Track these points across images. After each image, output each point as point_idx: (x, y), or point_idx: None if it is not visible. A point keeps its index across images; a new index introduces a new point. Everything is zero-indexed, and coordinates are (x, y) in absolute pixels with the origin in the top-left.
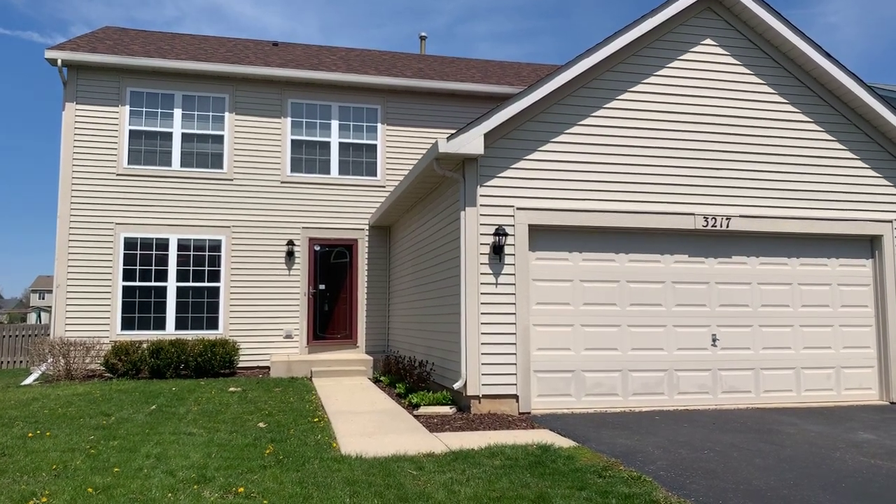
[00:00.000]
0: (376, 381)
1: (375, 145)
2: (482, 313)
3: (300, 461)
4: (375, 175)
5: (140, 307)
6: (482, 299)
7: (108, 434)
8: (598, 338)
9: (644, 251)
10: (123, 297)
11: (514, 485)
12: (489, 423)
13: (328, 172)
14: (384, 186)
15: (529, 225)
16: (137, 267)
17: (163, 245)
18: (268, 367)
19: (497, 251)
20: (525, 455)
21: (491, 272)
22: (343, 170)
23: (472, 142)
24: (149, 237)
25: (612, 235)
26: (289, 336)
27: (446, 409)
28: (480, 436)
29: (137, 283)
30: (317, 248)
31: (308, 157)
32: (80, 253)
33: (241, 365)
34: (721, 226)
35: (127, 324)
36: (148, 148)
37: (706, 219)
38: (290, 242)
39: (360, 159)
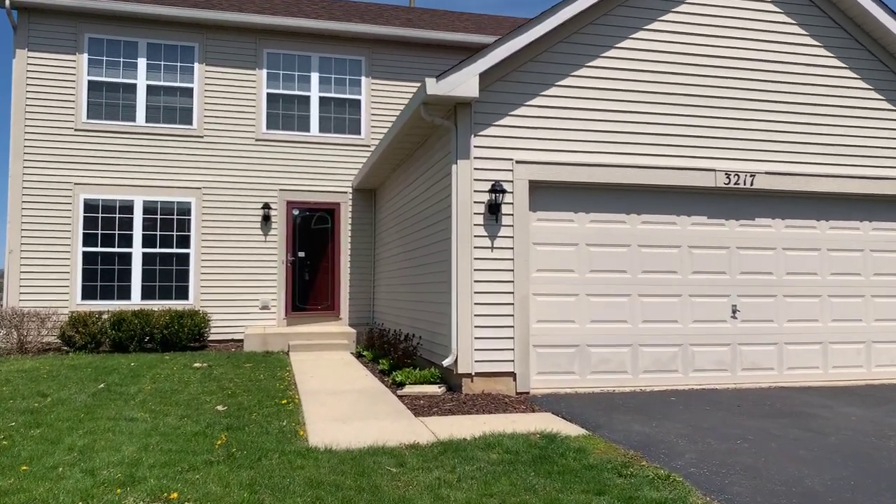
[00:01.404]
0: (359, 355)
1: (359, 101)
2: (476, 281)
3: (256, 455)
4: (359, 133)
5: (103, 275)
6: (476, 265)
7: (35, 420)
8: (606, 309)
9: (658, 212)
10: (84, 265)
11: (515, 488)
12: (483, 406)
13: (307, 130)
14: (369, 146)
15: (530, 181)
16: (99, 231)
17: (127, 207)
18: (242, 341)
19: (493, 211)
20: (527, 447)
21: (486, 234)
22: (324, 127)
23: (465, 82)
24: (111, 199)
25: (623, 194)
26: (266, 307)
27: (434, 389)
28: (473, 421)
29: (99, 249)
30: (295, 212)
31: (286, 112)
32: (35, 216)
33: (213, 338)
34: (744, 184)
35: (88, 293)
36: (109, 101)
37: (728, 176)
38: (267, 206)
39: (342, 116)
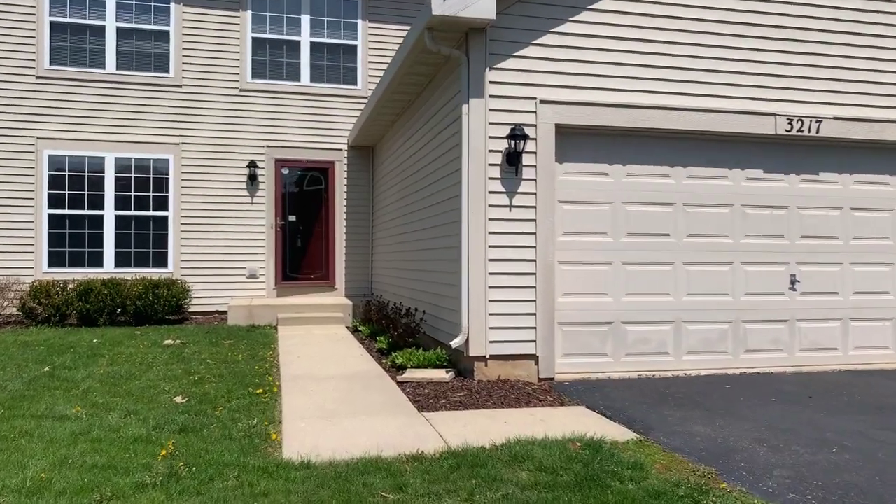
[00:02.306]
0: (355, 330)
1: (355, 46)
2: (491, 246)
3: (208, 473)
4: (355, 83)
5: (71, 240)
6: (491, 227)
7: None
8: (645, 279)
9: (707, 163)
10: (50, 228)
11: None
12: (501, 396)
13: (297, 79)
14: (366, 97)
15: (557, 125)
16: (67, 192)
17: (97, 165)
18: (227, 313)
19: (512, 161)
20: (566, 461)
21: (503, 190)
22: (316, 76)
23: (479, 1)
24: (80, 155)
25: (666, 142)
26: (253, 276)
27: (441, 374)
28: (491, 419)
29: (67, 212)
30: (285, 171)
31: (273, 59)
32: None
33: (195, 310)
34: (809, 130)
35: (55, 260)
36: (75, 45)
37: (790, 121)
38: (253, 164)
39: (336, 64)
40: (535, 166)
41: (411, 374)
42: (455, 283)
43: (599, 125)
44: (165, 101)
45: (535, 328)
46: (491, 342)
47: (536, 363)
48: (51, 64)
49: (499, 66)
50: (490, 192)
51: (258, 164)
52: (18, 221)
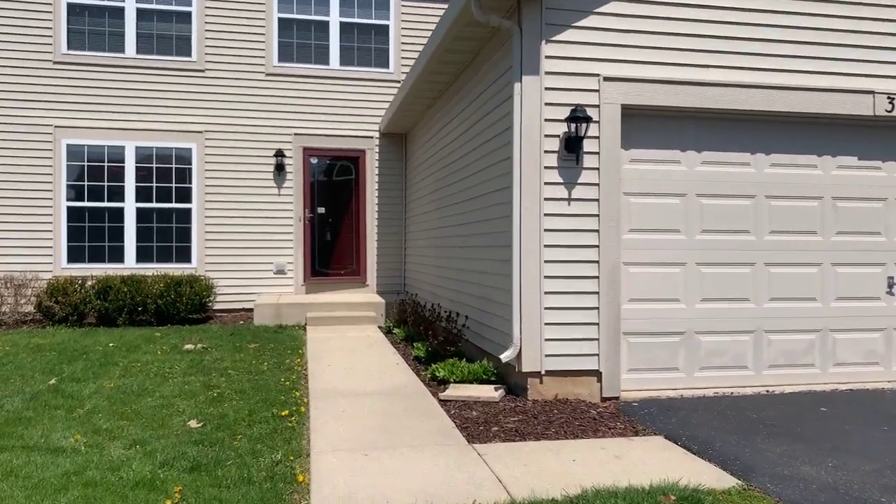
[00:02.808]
0: (388, 331)
1: (387, 27)
2: (546, 245)
3: None
4: (387, 66)
5: (91, 234)
6: (547, 224)
7: None
8: (722, 283)
9: (793, 149)
10: (69, 222)
11: None
12: (562, 422)
13: (326, 63)
14: (398, 81)
15: (623, 106)
16: (86, 183)
17: (117, 155)
18: (253, 310)
19: (572, 147)
20: None
21: (561, 181)
22: (346, 59)
23: None
24: (98, 144)
25: (746, 125)
26: (281, 271)
27: (489, 392)
28: (555, 453)
29: (86, 204)
30: (314, 160)
31: (301, 41)
32: (10, 165)
33: (220, 307)
34: None
35: (75, 255)
36: (93, 28)
37: (892, 100)
38: (280, 153)
39: (367, 45)
40: (597, 153)
41: (455, 391)
42: (504, 286)
43: (671, 106)
44: (188, 86)
45: (597, 339)
46: (547, 356)
47: (599, 380)
48: (68, 48)
49: (556, 38)
50: (546, 184)
51: (285, 152)
52: (37, 215)
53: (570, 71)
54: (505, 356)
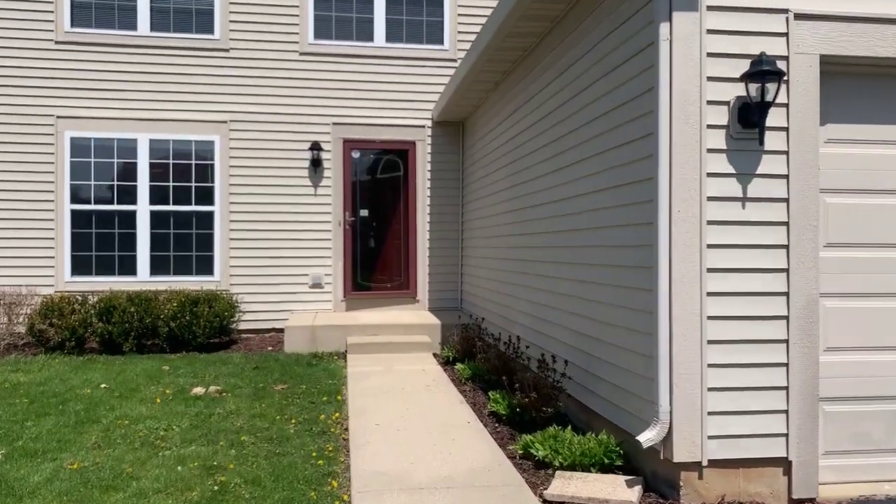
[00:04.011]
0: (447, 363)
1: None
2: (710, 270)
3: None
4: (441, 43)
5: (98, 242)
6: (711, 237)
7: None
8: None
9: None
10: (73, 227)
11: None
12: None
13: (370, 40)
14: (454, 60)
15: (823, 59)
16: (92, 182)
17: (129, 150)
18: (284, 331)
19: (750, 120)
20: None
21: (733, 172)
22: (393, 35)
23: None
24: (107, 137)
25: None
26: (317, 285)
27: (621, 490)
28: None
29: (93, 207)
30: (355, 154)
31: (340, 15)
32: (5, 162)
33: (245, 327)
34: None
35: (80, 267)
36: (101, 2)
37: None
38: (316, 146)
39: (418, 17)
40: (784, 129)
41: (567, 486)
42: (638, 327)
43: (888, 57)
44: (210, 68)
45: (785, 411)
46: (711, 437)
47: (786, 471)
48: (72, 26)
49: None
50: (709, 176)
51: (322, 146)
52: (36, 220)
53: (745, 5)
54: (646, 439)
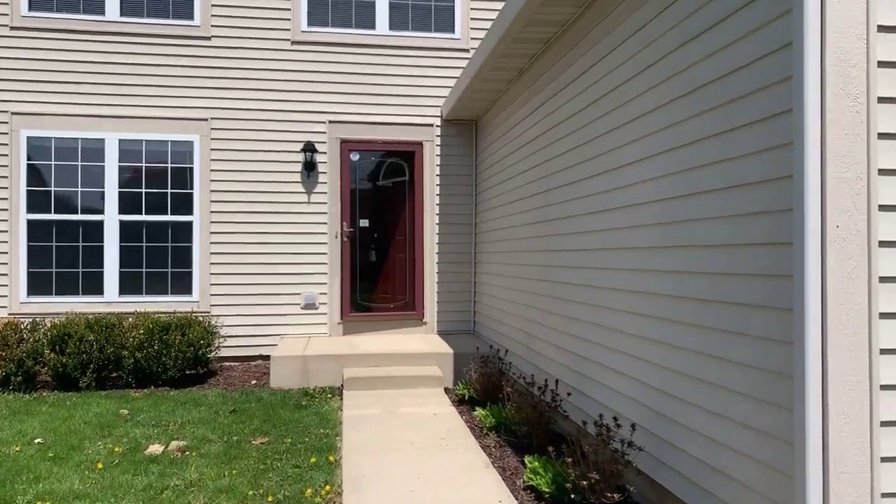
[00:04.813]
0: (462, 402)
1: None
2: (885, 315)
3: None
4: (452, 31)
5: (59, 257)
6: (883, 266)
7: None
8: None
9: None
10: (30, 241)
11: None
12: None
13: (371, 26)
14: (466, 49)
15: None
16: (53, 189)
17: (95, 152)
18: (271, 360)
19: None
20: None
21: None
22: (398, 22)
23: None
24: (70, 137)
25: None
26: (311, 305)
27: None
28: None
29: (54, 217)
30: (354, 157)
31: (338, 0)
32: None
33: (228, 353)
34: None
35: (38, 285)
36: None
37: None
38: (310, 147)
39: (425, 2)
40: None
41: None
42: (762, 394)
43: None
44: (189, 59)
45: None
46: None
47: None
48: (30, 9)
49: None
50: (881, 173)
51: (317, 147)
52: None
53: None
54: None
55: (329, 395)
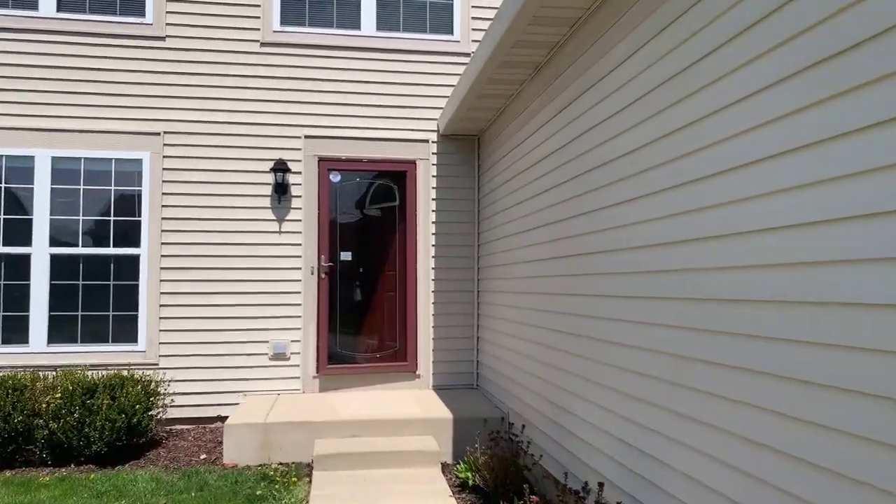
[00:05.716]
0: (465, 488)
1: None
2: None
3: None
4: (450, 32)
5: None
6: None
7: None
8: None
9: None
10: None
11: None
12: None
13: (356, 27)
14: (467, 54)
15: None
16: None
17: (22, 171)
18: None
19: None
20: None
21: None
22: (386, 22)
23: None
24: None
25: None
26: (280, 355)
27: None
28: None
29: None
30: (335, 177)
31: None
32: None
33: (179, 415)
34: None
35: None
36: None
37: None
38: (281, 166)
39: (418, 0)
40: None
41: None
42: None
43: None
44: (139, 63)
45: None
46: None
47: None
48: None
49: None
50: None
51: (290, 166)
52: None
53: None
54: None
55: (294, 479)
